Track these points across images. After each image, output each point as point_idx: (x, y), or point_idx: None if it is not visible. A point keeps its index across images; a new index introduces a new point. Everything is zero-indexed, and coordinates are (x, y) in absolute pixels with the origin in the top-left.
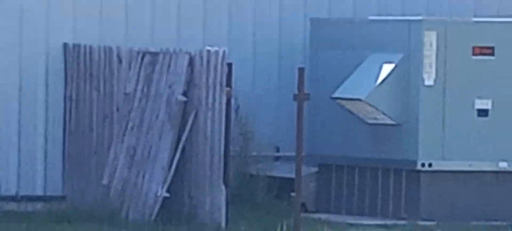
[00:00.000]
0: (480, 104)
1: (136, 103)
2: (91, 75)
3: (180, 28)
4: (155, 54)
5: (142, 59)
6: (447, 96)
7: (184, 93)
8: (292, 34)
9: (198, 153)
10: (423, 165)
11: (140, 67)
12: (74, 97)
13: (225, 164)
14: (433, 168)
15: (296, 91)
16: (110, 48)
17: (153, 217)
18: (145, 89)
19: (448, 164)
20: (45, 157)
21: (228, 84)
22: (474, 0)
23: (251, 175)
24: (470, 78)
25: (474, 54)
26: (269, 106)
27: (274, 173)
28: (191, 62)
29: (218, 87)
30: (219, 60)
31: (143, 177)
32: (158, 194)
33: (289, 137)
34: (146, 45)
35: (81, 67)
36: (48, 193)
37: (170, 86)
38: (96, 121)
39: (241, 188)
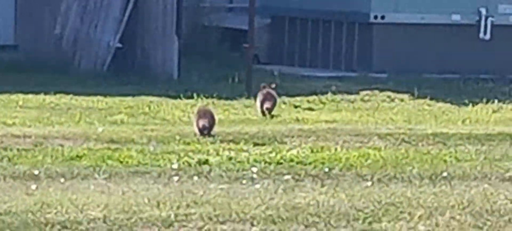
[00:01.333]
0: None
1: None
2: None
3: None
4: None
5: None
6: None
7: None
8: None
9: (151, 3)
10: (375, 17)
11: None
12: None
13: (178, 15)
14: (386, 20)
15: None
16: None
17: (105, 67)
18: None
19: (401, 16)
20: None
21: None
22: None
23: (204, 26)
24: None
25: None
26: None
27: (227, 24)
28: None
29: None
30: None
31: (96, 27)
32: (111, 44)
33: None
34: None
35: None
36: (0, 43)
37: None
38: None
39: (194, 39)
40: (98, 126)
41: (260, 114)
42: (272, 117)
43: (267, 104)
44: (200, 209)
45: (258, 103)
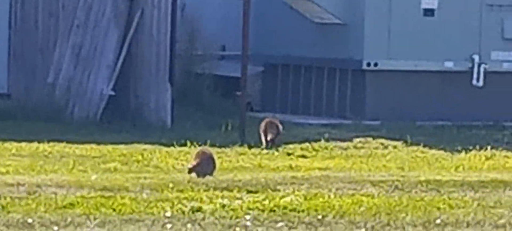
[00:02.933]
0: (426, 3)
1: (81, 1)
2: None
3: None
4: None
5: None
6: None
7: None
8: None
9: (144, 51)
10: (368, 64)
11: None
12: None
13: (171, 62)
14: (379, 67)
15: None
16: None
17: (98, 115)
18: None
19: (394, 63)
20: None
21: None
22: None
23: (197, 74)
24: None
25: None
26: (215, 5)
27: (220, 72)
28: None
29: None
30: None
31: (89, 75)
32: (104, 92)
33: (235, 36)
34: None
35: None
36: None
37: None
38: (42, 19)
39: (187, 87)
40: (91, 173)
41: (264, 145)
42: (276, 147)
43: (269, 136)
44: None
45: (261, 134)
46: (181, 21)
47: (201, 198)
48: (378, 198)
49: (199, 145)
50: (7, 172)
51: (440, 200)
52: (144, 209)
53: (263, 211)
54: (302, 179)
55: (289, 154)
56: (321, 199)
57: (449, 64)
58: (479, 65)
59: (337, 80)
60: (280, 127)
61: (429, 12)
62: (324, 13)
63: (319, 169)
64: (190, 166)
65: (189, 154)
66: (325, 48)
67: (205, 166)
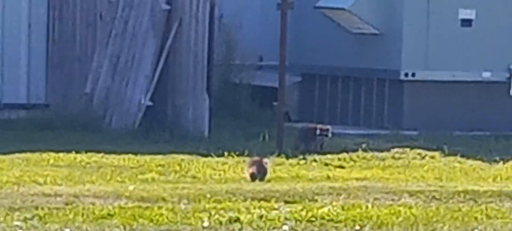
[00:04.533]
0: (464, 14)
1: (119, 11)
2: None
3: None
4: None
5: None
6: (431, 5)
7: (168, 2)
8: None
9: (182, 61)
10: (406, 74)
11: None
12: (57, 5)
13: (209, 72)
14: (416, 77)
15: (280, 1)
16: None
17: (136, 125)
18: None
19: (431, 74)
20: (28, 65)
21: None
22: None
23: (235, 84)
24: None
25: None
26: (253, 15)
27: (257, 82)
28: None
29: None
30: None
31: (126, 85)
32: (141, 102)
33: (272, 46)
34: None
35: None
36: (31, 101)
37: None
38: (79, 29)
39: (224, 97)
40: (129, 184)
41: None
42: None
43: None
44: None
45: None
46: (218, 31)
47: (239, 209)
48: (416, 208)
49: (237, 155)
50: (45, 182)
51: (477, 211)
52: (182, 219)
53: (300, 221)
54: (339, 189)
55: (326, 164)
56: (358, 210)
57: (486, 75)
58: None
59: (375, 91)
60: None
61: (466, 22)
62: (362, 24)
63: (357, 179)
64: (250, 172)
65: (226, 164)
66: (363, 58)
67: (262, 171)
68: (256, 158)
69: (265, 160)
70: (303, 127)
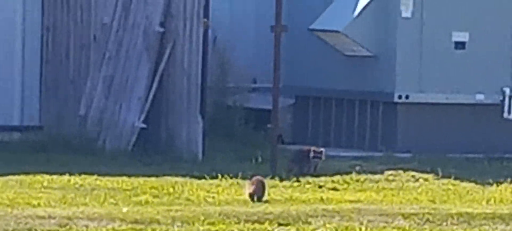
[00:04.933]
0: (458, 36)
1: (113, 34)
2: (68, 4)
3: None
4: None
5: None
6: (425, 28)
7: (162, 24)
8: None
9: (175, 84)
10: (400, 97)
11: None
12: (51, 26)
13: (202, 95)
14: (410, 100)
15: (274, 23)
16: None
17: (130, 147)
18: (123, 20)
19: (425, 96)
20: (22, 86)
21: (205, 15)
22: None
23: (228, 106)
24: (447, 10)
25: None
26: (246, 38)
27: (251, 105)
28: None
29: (195, 18)
30: None
31: (120, 107)
32: (135, 124)
33: (266, 68)
34: None
35: None
36: (25, 123)
37: (147, 17)
38: (73, 51)
39: (218, 119)
40: (122, 206)
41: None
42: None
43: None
44: None
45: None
46: (212, 54)
47: None
48: (410, 230)
49: (231, 177)
50: (39, 204)
51: None
52: None
53: None
54: (333, 211)
55: (320, 187)
56: None
57: (480, 97)
58: (510, 98)
59: (369, 113)
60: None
61: (460, 45)
62: (356, 46)
63: (351, 201)
64: (249, 192)
65: (220, 186)
66: (356, 80)
67: (260, 190)
68: (256, 178)
69: (264, 180)
70: (296, 150)
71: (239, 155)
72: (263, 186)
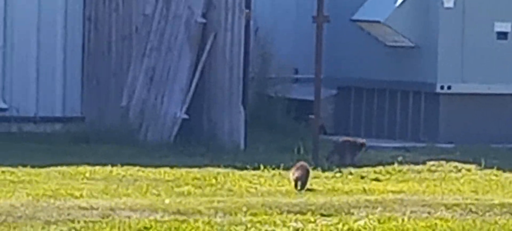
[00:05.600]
0: (500, 27)
1: (155, 25)
2: None
3: None
4: None
5: None
6: (467, 18)
7: (203, 15)
8: None
9: (217, 74)
10: (442, 87)
11: None
12: (93, 18)
13: (244, 85)
14: (452, 90)
15: (316, 13)
16: None
17: (172, 139)
18: (164, 11)
19: (467, 86)
20: (64, 78)
21: (247, 6)
22: None
23: (270, 97)
24: (489, 1)
25: None
26: (288, 28)
27: (293, 95)
28: None
29: (237, 9)
30: None
31: (162, 98)
32: (177, 115)
33: (308, 59)
34: None
35: None
36: (67, 114)
37: (189, 8)
38: (115, 42)
39: (260, 110)
40: (165, 197)
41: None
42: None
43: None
44: None
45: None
46: (254, 44)
47: (275, 222)
48: (452, 221)
49: (272, 168)
50: (81, 196)
51: None
52: None
53: None
54: (375, 202)
55: (362, 177)
56: (394, 223)
57: None
58: None
59: (411, 104)
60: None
61: (502, 35)
62: (398, 36)
63: (393, 192)
64: (294, 177)
65: (262, 177)
66: (398, 71)
67: (305, 176)
68: (301, 163)
69: (308, 166)
70: (338, 140)
71: (281, 145)
72: (307, 172)
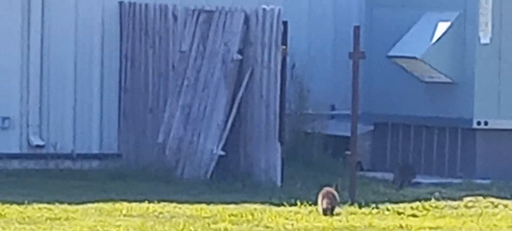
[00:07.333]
0: None
1: (191, 62)
2: (146, 33)
3: None
4: (210, 13)
5: (198, 17)
6: (503, 54)
7: (240, 52)
8: None
9: (254, 111)
10: (479, 123)
11: (195, 25)
12: (129, 55)
13: (281, 122)
14: (489, 126)
15: (352, 50)
16: (166, 6)
17: (208, 175)
18: (201, 48)
19: (504, 122)
20: (101, 115)
21: (284, 42)
22: None
23: (307, 133)
24: None
25: None
26: (324, 65)
27: (330, 131)
28: (246, 21)
29: (273, 46)
30: (275, 19)
31: (199, 135)
32: (214, 152)
33: (344, 95)
34: (201, 3)
35: (137, 25)
36: (104, 151)
37: (225, 44)
38: (152, 79)
39: (297, 146)
40: None
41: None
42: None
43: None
44: None
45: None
46: (290, 81)
47: None
48: None
49: (309, 205)
50: None
51: None
52: None
53: None
54: None
55: (399, 213)
56: None
57: None
58: None
59: (447, 139)
60: (337, 196)
61: None
62: (434, 72)
63: (430, 228)
64: (323, 207)
65: (299, 214)
66: (435, 107)
67: (333, 201)
68: (326, 189)
69: (333, 191)
70: (402, 163)
71: (317, 181)
72: (334, 196)
